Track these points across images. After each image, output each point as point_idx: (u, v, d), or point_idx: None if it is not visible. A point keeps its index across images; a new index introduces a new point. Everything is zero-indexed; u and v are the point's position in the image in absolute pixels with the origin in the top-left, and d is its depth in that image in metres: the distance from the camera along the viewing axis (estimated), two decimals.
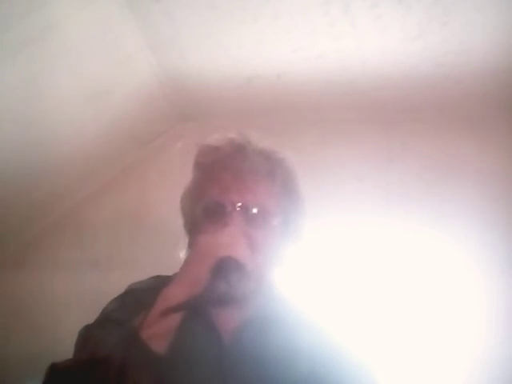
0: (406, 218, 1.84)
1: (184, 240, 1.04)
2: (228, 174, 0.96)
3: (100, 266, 2.00)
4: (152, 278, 1.04)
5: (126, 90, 1.88)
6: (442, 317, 1.76)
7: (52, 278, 1.99)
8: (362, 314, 1.76)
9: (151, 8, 1.57)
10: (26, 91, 1.59)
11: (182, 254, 1.04)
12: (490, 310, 1.72)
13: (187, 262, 0.90)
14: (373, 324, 1.74)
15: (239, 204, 0.94)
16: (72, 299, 1.92)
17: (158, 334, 0.81)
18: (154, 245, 1.94)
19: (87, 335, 0.90)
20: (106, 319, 0.93)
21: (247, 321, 0.95)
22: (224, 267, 0.85)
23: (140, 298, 0.95)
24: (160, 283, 0.98)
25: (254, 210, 0.95)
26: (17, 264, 2.06)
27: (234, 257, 0.86)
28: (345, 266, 1.85)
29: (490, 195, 1.81)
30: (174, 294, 0.85)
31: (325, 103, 1.96)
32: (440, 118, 1.93)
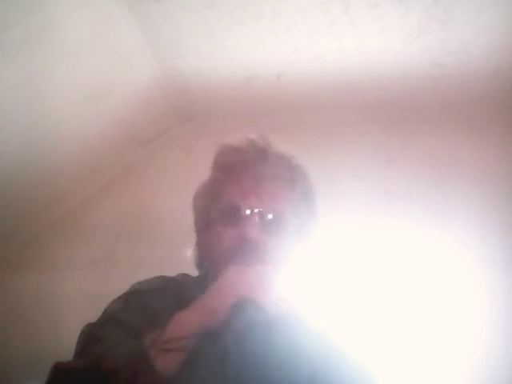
0: (406, 217, 1.84)
1: (192, 238, 1.03)
2: (249, 177, 0.96)
3: (100, 266, 2.00)
4: (155, 278, 1.03)
5: (125, 90, 1.88)
6: (443, 317, 1.76)
7: (52, 278, 1.99)
8: (363, 315, 1.76)
9: (151, 8, 1.57)
10: (26, 91, 1.59)
11: (189, 253, 1.03)
12: (491, 310, 1.72)
13: (210, 291, 0.86)
14: (373, 324, 1.74)
15: (257, 209, 0.93)
16: (72, 299, 1.92)
17: (169, 360, 0.79)
18: (154, 245, 1.94)
19: (91, 334, 0.89)
20: (110, 319, 0.92)
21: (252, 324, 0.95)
22: (243, 308, 0.82)
23: (144, 300, 0.94)
24: (164, 285, 0.98)
25: (271, 216, 0.94)
26: (17, 264, 2.06)
27: (255, 299, 0.83)
28: (344, 266, 1.85)
29: (491, 195, 1.81)
30: (188, 322, 0.82)
31: (325, 103, 1.96)
32: (440, 118, 1.93)
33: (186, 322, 0.82)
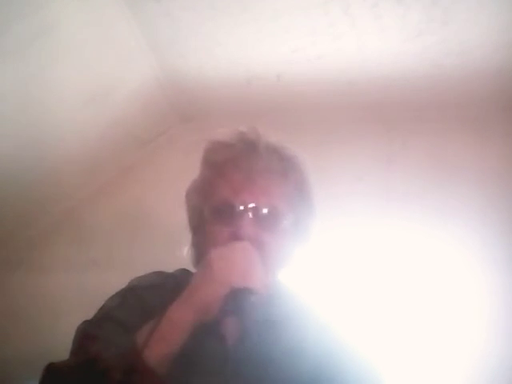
0: (407, 217, 1.84)
1: (187, 237, 1.02)
2: (240, 173, 0.93)
3: (99, 266, 2.00)
4: (154, 273, 1.01)
5: (126, 90, 1.88)
6: (443, 316, 1.76)
7: (51, 278, 1.99)
8: (364, 314, 1.75)
9: (151, 8, 1.58)
10: (26, 92, 1.59)
11: (186, 251, 1.02)
12: (491, 310, 1.72)
13: (197, 281, 0.84)
14: (374, 323, 1.74)
15: (251, 205, 0.91)
16: (71, 299, 1.92)
17: (162, 357, 0.78)
18: (153, 244, 1.94)
19: (87, 333, 0.89)
20: (107, 317, 0.91)
21: (251, 322, 0.94)
22: (239, 299, 0.80)
23: (142, 296, 0.93)
24: (163, 281, 0.97)
25: (266, 212, 0.92)
26: (16, 264, 2.06)
27: (251, 287, 0.81)
28: (345, 266, 1.85)
29: (491, 195, 1.81)
30: (181, 317, 0.81)
31: (325, 103, 1.95)
32: (440, 118, 1.93)
33: (179, 319, 0.81)
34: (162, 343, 0.78)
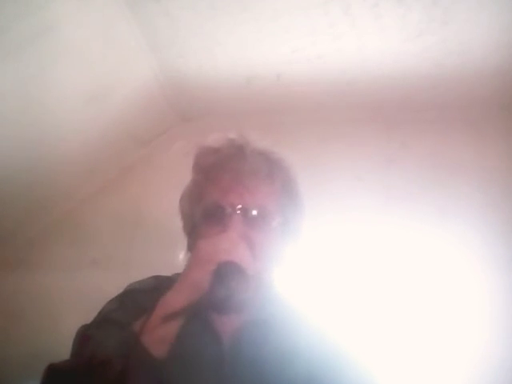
0: (406, 217, 1.84)
1: (183, 242, 1.04)
2: (227, 175, 0.96)
3: (99, 266, 2.00)
4: (151, 277, 1.04)
5: (125, 90, 1.88)
6: (443, 315, 1.76)
7: (51, 278, 1.99)
8: (362, 314, 1.76)
9: (151, 8, 1.57)
10: (26, 92, 1.59)
11: (182, 256, 1.03)
12: (491, 309, 1.72)
13: (187, 268, 0.89)
14: (372, 324, 1.74)
15: (239, 206, 0.93)
16: (71, 299, 1.92)
17: (159, 339, 0.81)
18: (153, 245, 1.94)
19: (85, 335, 0.90)
20: (105, 320, 0.92)
21: (246, 323, 0.95)
22: (225, 272, 0.84)
23: (139, 299, 0.95)
24: (159, 284, 0.98)
25: (254, 212, 0.94)
26: (16, 264, 2.06)
27: (235, 261, 0.85)
28: (345, 266, 1.85)
29: (490, 194, 1.81)
30: (175, 300, 0.84)
31: (325, 103, 1.96)
32: (440, 118, 1.93)
33: (173, 301, 0.84)
34: (158, 327, 0.80)
